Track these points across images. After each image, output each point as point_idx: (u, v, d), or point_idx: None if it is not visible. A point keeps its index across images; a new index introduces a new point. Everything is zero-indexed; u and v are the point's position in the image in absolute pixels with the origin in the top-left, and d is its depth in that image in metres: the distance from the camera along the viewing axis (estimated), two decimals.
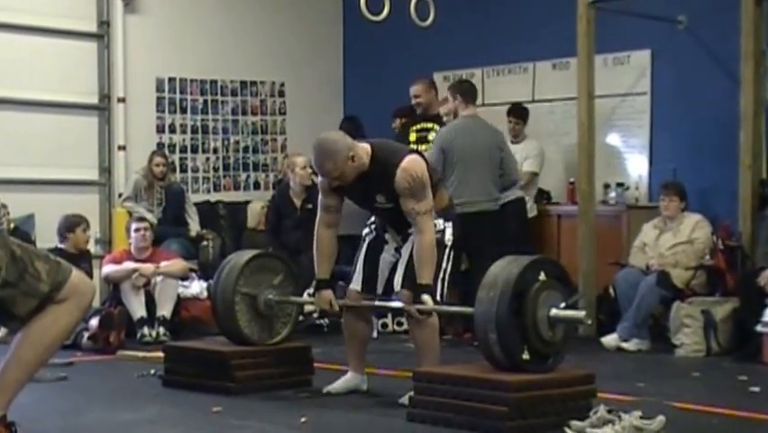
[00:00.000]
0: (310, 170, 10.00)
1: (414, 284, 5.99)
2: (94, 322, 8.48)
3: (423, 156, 6.22)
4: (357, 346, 6.52)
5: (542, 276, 5.55)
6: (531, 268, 5.53)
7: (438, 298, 6.09)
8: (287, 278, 6.84)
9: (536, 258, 5.74)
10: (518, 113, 10.53)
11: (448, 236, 6.19)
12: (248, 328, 6.67)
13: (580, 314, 5.63)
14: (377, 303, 6.49)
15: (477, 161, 8.87)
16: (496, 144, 9.08)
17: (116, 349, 8.40)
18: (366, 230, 6.45)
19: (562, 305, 5.54)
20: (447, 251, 6.19)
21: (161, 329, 9.01)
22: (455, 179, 8.72)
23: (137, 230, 9.40)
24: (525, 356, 5.48)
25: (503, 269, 5.55)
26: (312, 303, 7.03)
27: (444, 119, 9.48)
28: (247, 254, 6.86)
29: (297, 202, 10.13)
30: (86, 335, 8.48)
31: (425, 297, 5.92)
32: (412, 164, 5.96)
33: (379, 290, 6.34)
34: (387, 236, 6.33)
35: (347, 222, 6.54)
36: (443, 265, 6.17)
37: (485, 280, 5.56)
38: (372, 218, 6.43)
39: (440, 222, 6.10)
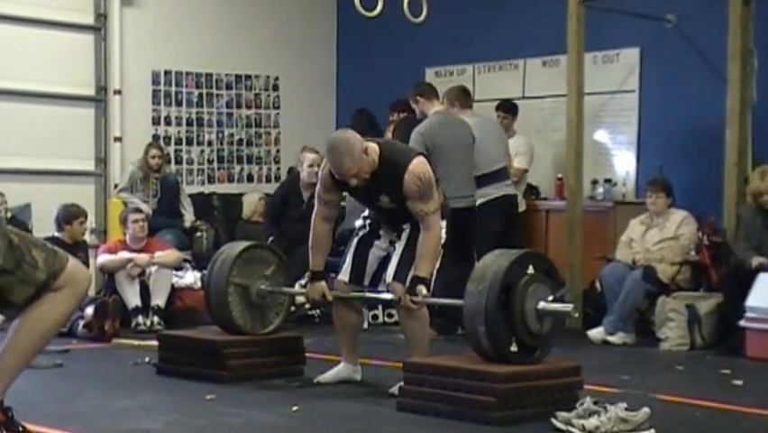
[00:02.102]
0: (317, 169, 10.00)
1: (405, 276, 6.05)
2: (89, 310, 8.53)
3: (427, 157, 6.29)
4: (348, 337, 6.58)
5: (530, 270, 5.60)
6: (519, 262, 5.59)
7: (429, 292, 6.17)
8: (279, 268, 6.89)
9: (525, 252, 5.79)
10: (507, 108, 10.57)
11: (442, 233, 6.26)
12: (241, 319, 6.74)
13: (568, 307, 5.69)
14: (368, 294, 6.58)
15: (459, 157, 8.80)
16: (471, 138, 9.02)
17: (111, 337, 8.44)
18: (359, 222, 6.50)
19: (550, 298, 5.60)
20: (441, 250, 6.27)
21: (155, 318, 9.04)
22: (442, 176, 8.67)
23: (135, 221, 9.42)
24: (513, 348, 5.54)
25: (492, 262, 5.61)
26: (304, 294, 7.10)
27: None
28: (240, 246, 6.91)
29: (305, 195, 10.10)
30: (81, 323, 8.52)
31: (421, 287, 5.96)
32: (420, 167, 6.01)
33: (366, 281, 6.40)
34: (381, 231, 6.38)
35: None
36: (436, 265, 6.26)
37: (474, 273, 5.62)
38: (367, 211, 6.47)
39: None
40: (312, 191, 9.82)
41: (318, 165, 9.76)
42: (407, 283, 6.08)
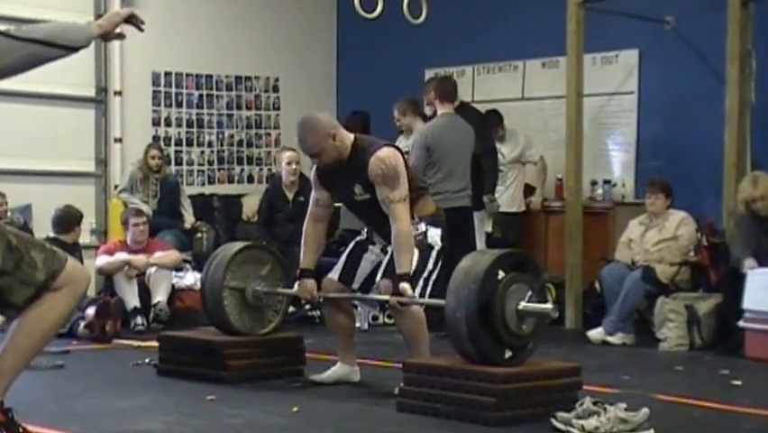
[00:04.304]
0: (294, 166, 10.18)
1: (393, 275, 6.01)
2: (90, 311, 8.55)
3: (401, 152, 6.26)
4: (342, 338, 6.59)
5: (500, 274, 5.52)
6: (490, 273, 5.49)
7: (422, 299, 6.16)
8: (274, 267, 6.89)
9: (493, 260, 5.57)
10: (494, 123, 10.48)
11: (436, 239, 6.24)
12: (239, 322, 6.74)
13: (547, 308, 5.62)
14: (356, 295, 6.55)
15: (459, 159, 8.94)
16: (472, 143, 9.12)
17: (112, 338, 8.46)
18: (360, 235, 6.54)
19: (527, 298, 5.52)
20: (434, 254, 6.25)
21: (158, 308, 9.08)
22: (440, 175, 8.79)
23: (135, 225, 9.46)
24: (508, 355, 5.53)
25: (461, 285, 5.52)
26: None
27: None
28: (233, 248, 6.89)
29: (290, 195, 10.23)
30: (82, 324, 8.54)
31: (403, 285, 5.92)
32: (386, 153, 6.05)
33: (356, 285, 6.40)
34: (375, 239, 6.39)
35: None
36: (429, 267, 6.24)
37: (448, 304, 5.56)
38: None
39: (422, 225, 6.15)
40: (296, 189, 10.02)
41: (297, 162, 10.00)
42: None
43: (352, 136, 6.20)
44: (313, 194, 6.45)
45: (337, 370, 6.58)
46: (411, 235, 6.03)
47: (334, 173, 6.20)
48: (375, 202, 6.09)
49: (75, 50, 4.08)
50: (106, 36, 4.25)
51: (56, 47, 4.03)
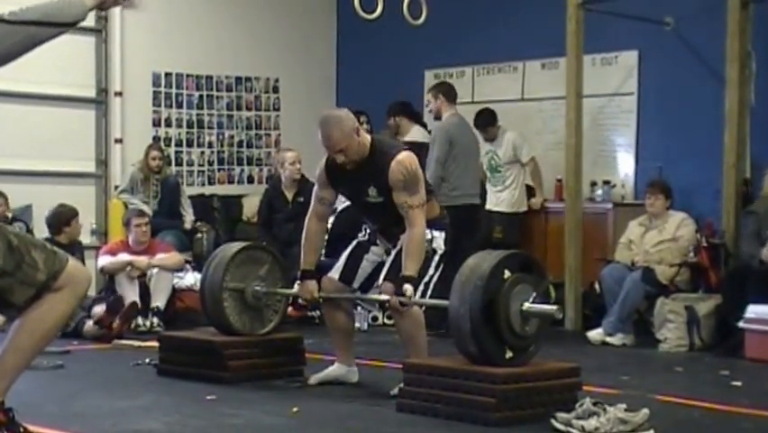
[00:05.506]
0: (299, 166, 10.19)
1: (397, 277, 5.99)
2: (99, 308, 8.63)
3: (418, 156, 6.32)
4: (340, 338, 6.58)
5: (507, 273, 5.53)
6: (497, 271, 5.50)
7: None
8: (272, 267, 6.88)
9: (500, 259, 5.58)
10: (488, 122, 10.48)
11: (440, 245, 6.22)
12: (238, 322, 6.74)
13: (552, 309, 5.62)
14: (357, 295, 6.55)
15: (472, 157, 9.35)
16: (478, 145, 9.61)
17: (116, 337, 8.47)
18: (361, 234, 6.53)
19: (531, 300, 5.53)
20: (437, 259, 6.25)
21: (155, 319, 9.09)
22: (459, 169, 9.04)
23: (138, 225, 9.45)
24: (509, 355, 5.54)
25: (467, 280, 5.52)
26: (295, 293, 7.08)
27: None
28: (232, 249, 6.88)
29: (289, 196, 10.24)
30: (87, 322, 8.57)
31: (406, 286, 5.91)
32: (407, 158, 6.02)
33: (356, 284, 6.40)
34: (379, 240, 6.39)
35: None
36: (431, 272, 6.24)
37: (452, 301, 5.55)
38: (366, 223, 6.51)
39: (427, 231, 6.09)
40: (296, 189, 10.02)
41: (299, 162, 10.04)
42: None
43: (369, 136, 6.17)
44: (316, 191, 6.39)
45: (334, 369, 6.58)
46: (424, 242, 6.03)
47: (347, 172, 6.12)
48: (387, 205, 6.06)
49: (72, 25, 4.07)
50: (102, 5, 4.21)
51: (53, 26, 4.02)
